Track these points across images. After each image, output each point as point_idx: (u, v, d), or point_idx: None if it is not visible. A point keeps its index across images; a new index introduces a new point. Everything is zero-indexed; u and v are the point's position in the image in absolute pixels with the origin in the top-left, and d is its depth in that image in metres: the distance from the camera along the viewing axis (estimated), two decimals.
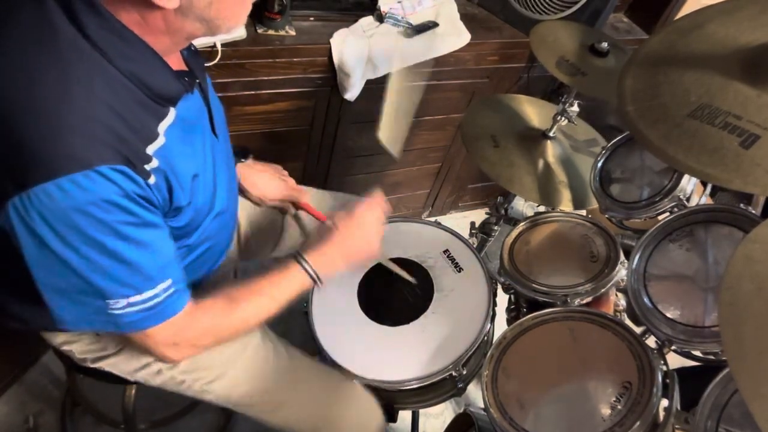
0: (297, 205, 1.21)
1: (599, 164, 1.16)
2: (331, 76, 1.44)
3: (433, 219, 1.28)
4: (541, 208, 1.45)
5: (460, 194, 2.26)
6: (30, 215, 0.60)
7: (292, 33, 1.34)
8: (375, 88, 1.50)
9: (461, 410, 1.08)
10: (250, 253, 1.23)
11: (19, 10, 0.62)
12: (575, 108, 1.31)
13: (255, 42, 1.29)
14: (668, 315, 0.86)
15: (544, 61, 1.26)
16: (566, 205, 1.31)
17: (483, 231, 1.65)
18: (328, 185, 1.80)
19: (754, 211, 0.84)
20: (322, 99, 1.50)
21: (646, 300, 0.90)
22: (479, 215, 2.27)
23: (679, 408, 0.75)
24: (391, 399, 1.07)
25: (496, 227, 1.63)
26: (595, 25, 1.57)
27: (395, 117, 1.05)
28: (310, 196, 1.24)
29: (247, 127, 1.47)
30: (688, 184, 0.99)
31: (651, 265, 0.93)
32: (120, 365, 0.94)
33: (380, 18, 1.48)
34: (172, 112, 0.72)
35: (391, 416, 1.08)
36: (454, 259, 1.18)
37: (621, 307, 1.08)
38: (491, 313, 1.08)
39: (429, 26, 1.51)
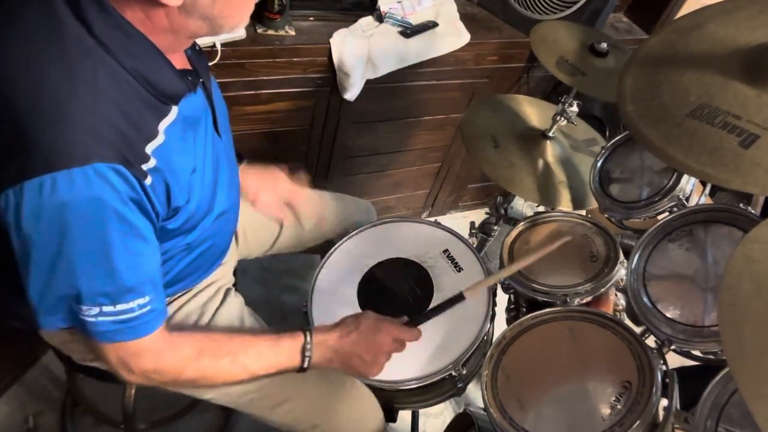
0: (292, 206, 1.20)
1: (599, 164, 1.16)
2: (331, 76, 1.44)
3: (432, 219, 1.28)
4: (541, 208, 1.45)
5: (460, 194, 2.26)
6: (23, 206, 0.60)
7: (292, 33, 1.34)
8: (375, 88, 1.50)
9: (461, 410, 1.08)
10: (250, 252, 1.23)
11: (27, 6, 0.63)
12: (575, 108, 1.31)
13: (255, 42, 1.29)
14: (668, 315, 0.86)
15: (544, 61, 1.26)
16: (566, 205, 1.31)
17: (483, 231, 1.65)
18: (328, 185, 1.80)
19: (753, 211, 0.84)
20: (322, 99, 1.50)
21: (645, 300, 0.90)
22: (479, 215, 2.27)
23: (678, 407, 0.75)
24: (390, 399, 1.07)
25: (495, 227, 1.63)
26: (594, 25, 1.57)
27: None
28: (310, 198, 1.24)
29: (246, 127, 1.47)
30: (688, 183, 0.99)
31: (650, 264, 0.93)
32: None
33: (380, 18, 1.48)
34: (174, 111, 0.72)
35: (390, 416, 1.08)
36: (454, 259, 1.18)
37: (621, 307, 1.08)
38: (491, 312, 1.08)
39: (429, 26, 1.52)
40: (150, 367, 0.77)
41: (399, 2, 1.50)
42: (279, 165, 1.22)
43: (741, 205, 0.86)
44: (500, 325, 1.07)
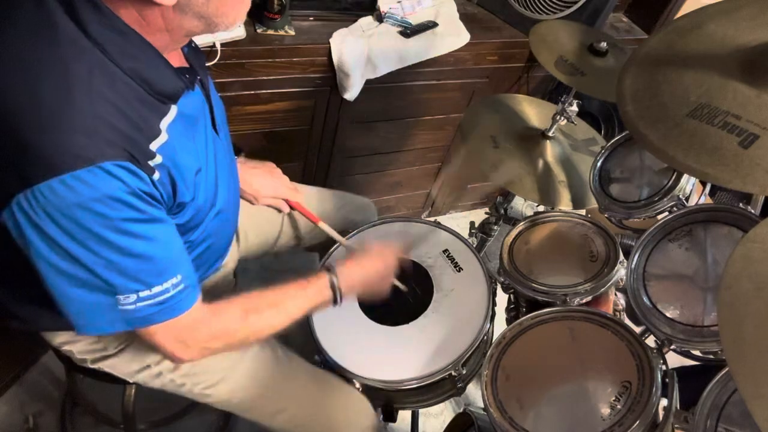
0: (291, 205, 1.21)
1: (598, 164, 1.16)
2: (331, 76, 1.44)
3: (432, 219, 1.28)
4: (541, 208, 1.45)
5: (460, 194, 2.26)
6: (37, 213, 0.60)
7: (292, 33, 1.34)
8: (374, 88, 1.50)
9: (461, 410, 1.08)
10: (250, 252, 1.23)
11: (19, 7, 0.62)
12: (574, 108, 1.31)
13: (254, 42, 1.29)
14: (667, 314, 0.86)
15: (543, 61, 1.26)
16: (566, 204, 1.31)
17: (482, 231, 1.65)
18: (328, 185, 1.80)
19: (753, 211, 0.84)
20: (322, 99, 1.50)
21: (645, 299, 0.90)
22: (479, 215, 2.27)
23: (678, 407, 0.75)
24: (390, 399, 1.07)
25: (495, 227, 1.63)
26: (594, 24, 1.57)
27: None
28: (307, 195, 1.24)
29: (246, 126, 1.47)
30: (688, 183, 0.99)
31: (650, 264, 0.93)
32: (120, 366, 0.94)
33: (380, 18, 1.48)
34: (173, 109, 0.72)
35: (390, 416, 1.08)
36: (454, 259, 1.18)
37: (620, 307, 1.08)
38: (491, 312, 1.08)
39: (428, 26, 1.51)
40: (204, 336, 0.80)
41: (399, 2, 1.49)
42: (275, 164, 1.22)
43: (741, 204, 0.86)
44: (500, 325, 1.07)
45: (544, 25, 1.35)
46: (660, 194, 1.00)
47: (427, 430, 1.66)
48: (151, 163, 0.67)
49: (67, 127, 0.59)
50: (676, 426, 0.73)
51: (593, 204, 1.25)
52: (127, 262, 0.67)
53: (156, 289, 0.71)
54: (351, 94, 1.46)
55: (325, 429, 1.04)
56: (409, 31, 1.48)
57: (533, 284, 1.08)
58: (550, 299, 1.06)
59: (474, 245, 1.25)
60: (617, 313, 1.08)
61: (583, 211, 1.27)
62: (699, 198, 1.09)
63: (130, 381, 0.96)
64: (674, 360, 0.85)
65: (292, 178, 1.24)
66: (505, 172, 1.33)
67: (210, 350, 0.83)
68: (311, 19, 1.42)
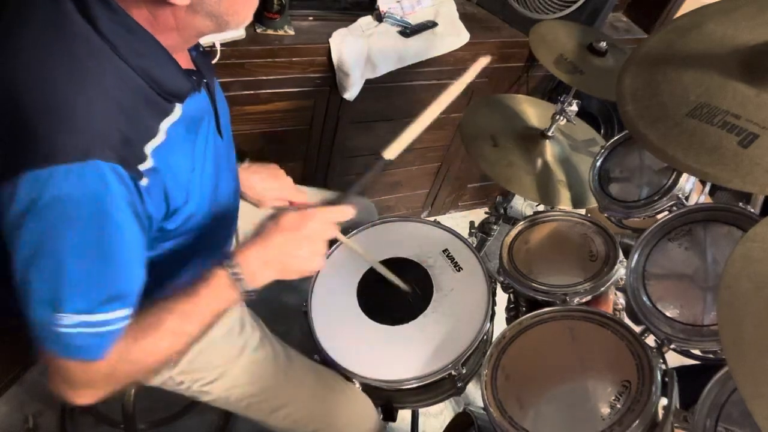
0: (296, 206, 1.21)
1: (598, 163, 1.16)
2: (331, 76, 1.44)
3: (432, 218, 1.28)
4: (541, 208, 1.45)
5: (460, 194, 2.26)
6: (14, 197, 0.60)
7: (291, 33, 1.34)
8: (374, 87, 1.50)
9: (461, 409, 1.08)
10: None
11: (36, 6, 0.63)
12: (574, 107, 1.31)
13: (254, 42, 1.29)
14: (667, 314, 0.86)
15: (543, 61, 1.26)
16: (565, 204, 1.31)
17: (482, 230, 1.65)
18: (328, 185, 1.80)
19: (752, 210, 0.84)
20: (322, 99, 1.50)
21: (645, 299, 0.90)
22: (479, 215, 2.27)
23: (678, 406, 0.75)
24: (390, 398, 1.07)
25: (495, 226, 1.63)
26: (594, 24, 1.57)
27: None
28: (309, 196, 1.24)
29: (246, 126, 1.47)
30: (687, 183, 0.99)
31: (650, 264, 0.93)
32: None
33: (379, 17, 1.48)
34: (178, 109, 0.72)
35: (390, 415, 1.08)
36: (454, 259, 1.18)
37: (620, 306, 1.08)
38: (490, 312, 1.08)
39: (428, 26, 1.51)
40: (102, 379, 0.70)
41: (398, 2, 1.49)
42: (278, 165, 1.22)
43: (740, 204, 0.86)
44: (500, 325, 1.07)
45: (543, 25, 1.35)
46: (659, 194, 1.00)
47: (427, 429, 1.66)
48: (140, 167, 0.66)
49: (68, 120, 0.59)
50: (675, 425, 0.73)
51: (593, 203, 1.25)
52: (84, 271, 0.63)
53: (99, 317, 0.64)
54: (351, 93, 1.46)
55: (326, 427, 1.03)
56: (409, 30, 1.48)
57: (533, 284, 1.08)
58: (550, 299, 1.06)
59: (474, 245, 1.25)
60: (617, 313, 1.08)
61: (582, 211, 1.27)
62: (698, 197, 1.09)
63: None
64: (674, 359, 0.85)
65: (292, 178, 1.24)
66: (504, 172, 1.33)
67: (110, 393, 0.73)
68: (311, 18, 1.42)
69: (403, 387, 1.01)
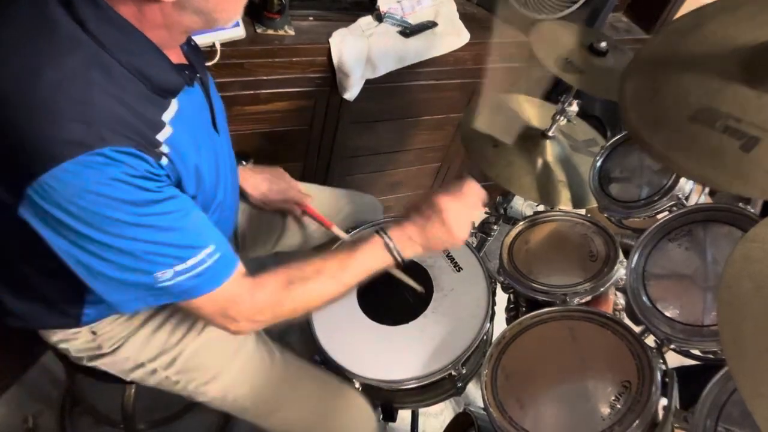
0: (302, 209, 1.21)
1: (598, 163, 1.16)
2: (331, 76, 1.44)
3: None
4: (541, 208, 1.45)
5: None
6: (46, 204, 0.60)
7: (291, 33, 1.34)
8: (374, 87, 1.50)
9: (461, 409, 1.08)
10: (248, 251, 1.23)
11: (18, 3, 0.63)
12: (574, 108, 1.31)
13: (254, 42, 1.29)
14: (667, 314, 0.86)
15: (543, 61, 1.26)
16: (565, 204, 1.31)
17: (482, 230, 1.65)
18: (328, 185, 1.79)
19: (753, 210, 0.84)
20: (322, 99, 1.50)
21: (645, 299, 0.90)
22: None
23: (678, 407, 0.75)
24: (390, 398, 1.07)
25: (495, 227, 1.63)
26: (594, 24, 1.57)
27: (495, 103, 0.97)
28: (314, 195, 1.24)
29: (246, 127, 1.47)
30: (687, 183, 0.99)
31: (650, 264, 0.93)
32: (115, 365, 0.94)
33: (379, 18, 1.48)
34: (173, 104, 0.72)
35: (390, 416, 1.08)
36: (454, 259, 1.18)
37: (620, 306, 1.08)
38: (490, 312, 1.08)
39: (428, 26, 1.51)
40: (248, 308, 0.79)
41: (398, 2, 1.49)
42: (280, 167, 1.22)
43: (740, 204, 0.86)
44: (500, 325, 1.07)
45: (543, 25, 1.35)
46: (659, 194, 1.00)
47: (427, 429, 1.66)
48: (158, 150, 0.67)
49: (62, 117, 0.59)
50: (675, 425, 0.73)
51: (593, 204, 1.25)
52: (152, 239, 0.66)
53: (191, 261, 0.70)
54: (351, 94, 1.46)
55: (323, 430, 1.03)
56: (409, 30, 1.48)
57: (533, 284, 1.08)
58: (550, 299, 1.06)
59: (474, 245, 1.25)
60: (617, 313, 1.08)
61: (582, 211, 1.27)
62: (698, 198, 1.09)
63: (127, 379, 0.96)
64: (674, 359, 0.85)
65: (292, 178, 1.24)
66: (504, 172, 1.33)
67: (258, 323, 0.81)
68: (311, 18, 1.42)
69: (403, 387, 1.01)
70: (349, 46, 1.38)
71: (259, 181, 1.15)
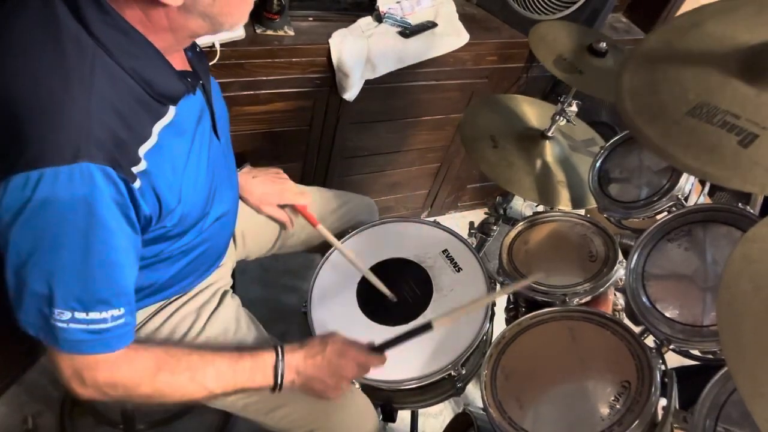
0: (296, 208, 1.20)
1: (598, 164, 1.16)
2: (330, 77, 1.44)
3: (432, 219, 1.28)
4: (540, 208, 1.45)
5: (459, 194, 2.26)
6: (3, 199, 0.60)
7: (291, 33, 1.34)
8: (374, 88, 1.50)
9: (460, 410, 1.08)
10: (249, 253, 1.23)
11: (26, 6, 0.63)
12: (574, 108, 1.31)
13: (254, 42, 1.29)
14: (667, 314, 0.86)
15: (542, 61, 1.26)
16: (565, 204, 1.31)
17: (482, 231, 1.65)
18: (327, 185, 1.79)
19: (752, 211, 0.84)
20: (321, 99, 1.50)
21: (644, 299, 0.90)
22: (478, 215, 2.27)
23: (677, 407, 0.75)
24: (390, 399, 1.07)
25: (494, 227, 1.63)
26: (593, 25, 1.57)
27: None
28: (312, 196, 1.24)
29: (245, 127, 1.47)
30: (687, 183, 0.99)
31: (649, 264, 0.93)
32: None
33: (379, 18, 1.48)
34: (171, 111, 0.72)
35: (390, 416, 1.08)
36: (453, 259, 1.18)
37: (620, 307, 1.09)
38: (490, 312, 1.08)
39: (428, 26, 1.52)
40: (104, 380, 0.73)
41: (398, 2, 1.49)
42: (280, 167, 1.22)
43: (740, 204, 0.86)
44: (499, 325, 1.07)
45: (543, 26, 1.35)
46: (659, 194, 1.00)
47: (427, 430, 1.66)
48: (134, 169, 0.65)
49: (58, 122, 0.59)
50: (675, 426, 0.73)
51: (592, 204, 1.25)
52: (74, 273, 0.64)
53: (93, 315, 0.67)
54: (350, 94, 1.46)
55: (323, 427, 1.03)
56: (409, 31, 1.48)
57: (532, 284, 1.08)
58: (550, 299, 1.06)
59: (473, 245, 1.25)
60: (616, 313, 1.08)
61: (582, 211, 1.27)
62: (698, 198, 1.09)
63: None
64: (673, 360, 0.85)
65: (291, 179, 1.23)
66: (503, 172, 1.33)
67: (106, 396, 0.75)
68: (310, 19, 1.42)
69: (403, 387, 1.01)
70: (348, 46, 1.38)
71: (254, 185, 1.15)
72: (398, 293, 1.12)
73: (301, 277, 1.93)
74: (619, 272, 1.04)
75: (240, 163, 1.15)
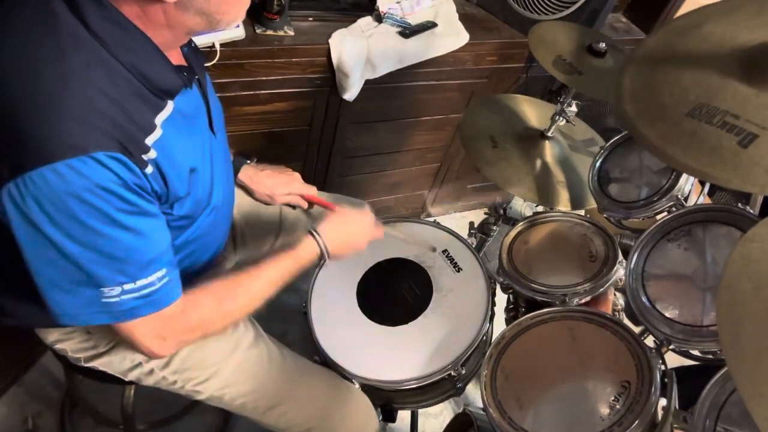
0: (308, 201, 1.21)
1: (597, 164, 1.16)
2: (330, 77, 1.44)
3: (432, 219, 1.28)
4: (540, 208, 1.45)
5: (459, 194, 2.26)
6: (25, 200, 0.61)
7: (291, 33, 1.34)
8: (374, 88, 1.50)
9: (460, 410, 1.08)
10: (246, 249, 1.23)
11: (25, 3, 0.64)
12: (573, 108, 1.31)
13: (254, 42, 1.29)
14: (667, 314, 0.86)
15: (542, 61, 1.26)
16: (565, 204, 1.31)
17: (482, 231, 1.65)
18: (327, 185, 1.80)
19: (752, 211, 0.84)
20: (321, 99, 1.50)
21: (644, 299, 0.90)
22: (478, 215, 2.27)
23: (677, 407, 0.75)
24: (390, 399, 1.07)
25: (494, 227, 1.63)
26: (593, 25, 1.57)
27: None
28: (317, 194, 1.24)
29: (246, 127, 1.47)
30: (686, 183, 0.99)
31: (649, 264, 0.93)
32: (113, 364, 0.94)
33: (379, 18, 1.48)
34: (169, 105, 0.72)
35: (390, 416, 1.08)
36: (453, 259, 1.18)
37: (619, 307, 1.09)
38: (490, 312, 1.08)
39: (427, 26, 1.52)
40: (182, 328, 0.79)
41: (398, 2, 1.50)
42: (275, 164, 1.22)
43: (739, 204, 0.86)
44: (499, 325, 1.07)
45: (543, 26, 1.35)
46: (659, 194, 1.00)
47: (427, 430, 1.66)
48: (144, 157, 0.67)
49: (61, 116, 0.60)
50: (675, 426, 0.73)
51: (592, 204, 1.25)
52: (113, 253, 0.66)
53: (140, 282, 0.70)
54: (350, 94, 1.46)
55: (322, 426, 1.03)
56: (408, 31, 1.48)
57: (532, 284, 1.09)
58: (550, 299, 1.06)
59: (473, 245, 1.25)
60: (616, 313, 1.08)
61: (582, 211, 1.27)
62: (698, 198, 1.09)
63: (125, 379, 0.96)
64: (673, 360, 0.85)
65: None
66: (503, 172, 1.33)
67: (186, 342, 0.83)
68: (310, 19, 1.42)
69: (403, 387, 1.01)
70: (348, 46, 1.38)
71: (264, 177, 1.16)
72: (399, 293, 1.12)
73: (301, 277, 1.92)
74: (619, 272, 1.05)
75: (248, 159, 1.16)
